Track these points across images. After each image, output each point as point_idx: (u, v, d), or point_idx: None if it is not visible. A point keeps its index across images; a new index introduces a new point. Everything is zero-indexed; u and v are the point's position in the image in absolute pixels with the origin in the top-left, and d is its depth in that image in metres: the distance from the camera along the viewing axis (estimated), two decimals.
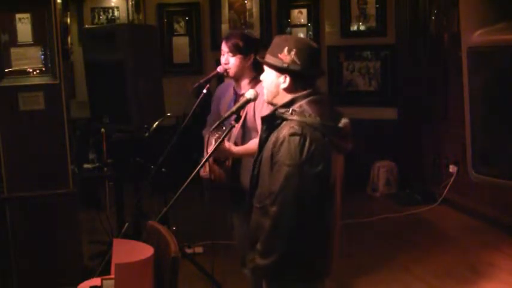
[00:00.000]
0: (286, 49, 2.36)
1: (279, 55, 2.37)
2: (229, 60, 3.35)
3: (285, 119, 2.30)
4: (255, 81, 3.34)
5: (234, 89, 3.43)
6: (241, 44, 3.31)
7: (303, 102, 2.31)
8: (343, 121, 2.33)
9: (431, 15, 6.38)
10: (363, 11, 7.01)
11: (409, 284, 4.35)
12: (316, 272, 2.39)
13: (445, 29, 6.13)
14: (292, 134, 2.25)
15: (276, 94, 2.41)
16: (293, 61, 2.35)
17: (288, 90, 2.38)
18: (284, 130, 2.28)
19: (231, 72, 3.37)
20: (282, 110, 2.32)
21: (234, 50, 3.32)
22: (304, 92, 2.34)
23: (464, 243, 5.17)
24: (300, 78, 2.36)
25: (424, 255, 4.87)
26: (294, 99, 2.34)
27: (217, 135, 3.10)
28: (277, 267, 2.32)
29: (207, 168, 3.39)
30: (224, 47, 3.38)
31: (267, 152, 2.35)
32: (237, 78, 3.39)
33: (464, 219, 5.77)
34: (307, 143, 2.22)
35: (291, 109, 2.30)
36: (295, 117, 2.27)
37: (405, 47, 6.86)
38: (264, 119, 2.42)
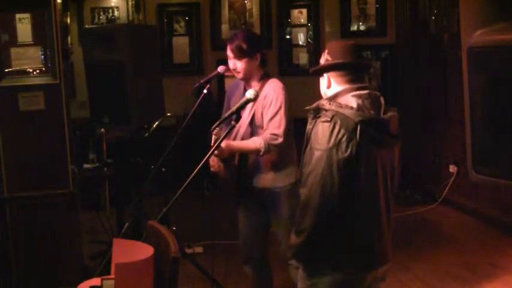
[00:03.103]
0: (323, 53, 2.51)
1: (320, 61, 2.52)
2: (236, 65, 3.34)
3: (325, 110, 2.37)
4: (264, 79, 3.35)
5: (245, 87, 3.44)
6: (244, 46, 3.29)
7: (346, 96, 2.37)
8: (388, 114, 2.36)
9: (431, 15, 6.38)
10: (363, 11, 7.02)
11: (409, 284, 4.35)
12: (345, 263, 2.38)
13: (445, 29, 6.13)
14: (323, 121, 2.33)
15: (324, 95, 2.51)
16: (326, 60, 2.47)
17: (330, 87, 2.46)
18: (320, 119, 2.37)
19: (241, 75, 3.36)
20: (323, 102, 2.40)
21: (239, 54, 3.30)
22: (347, 87, 2.40)
23: (464, 243, 5.17)
24: (336, 73, 2.44)
25: (424, 255, 4.87)
26: (337, 93, 2.41)
27: (218, 132, 3.14)
28: (307, 247, 2.37)
29: (214, 163, 3.43)
30: (229, 52, 3.35)
31: (310, 143, 2.43)
32: (248, 79, 3.38)
33: (464, 219, 5.77)
34: (336, 129, 2.27)
35: (329, 101, 2.37)
36: (332, 107, 2.34)
37: (405, 47, 6.87)
38: (308, 111, 2.48)
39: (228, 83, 7.12)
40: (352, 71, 2.43)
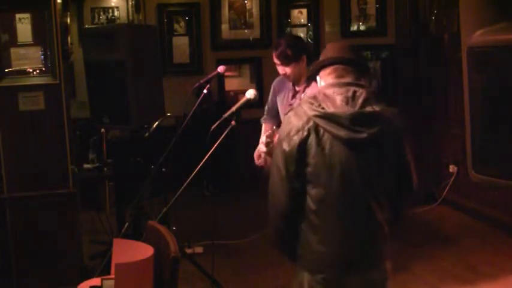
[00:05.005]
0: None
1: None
2: (285, 71, 3.43)
3: None
4: (311, 80, 3.41)
5: (293, 84, 3.48)
6: (289, 52, 3.38)
7: (323, 91, 2.36)
8: (351, 111, 2.26)
9: (431, 15, 6.38)
10: (363, 11, 7.01)
11: (409, 284, 4.35)
12: (318, 265, 2.35)
13: (445, 29, 6.13)
14: (285, 114, 2.44)
15: None
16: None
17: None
18: None
19: (291, 79, 3.48)
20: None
21: (286, 61, 3.40)
22: (326, 83, 2.39)
23: (465, 243, 5.17)
24: (324, 72, 2.43)
25: (424, 255, 4.87)
26: (318, 90, 2.41)
27: (270, 132, 3.20)
28: (275, 239, 2.44)
29: (262, 158, 3.54)
30: (275, 60, 3.44)
31: None
32: (298, 81, 3.44)
33: (464, 219, 5.77)
34: (288, 122, 2.33)
35: (309, 98, 2.37)
36: (301, 103, 2.36)
37: (405, 47, 6.86)
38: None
39: (228, 83, 7.17)
40: (339, 67, 2.38)
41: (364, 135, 2.24)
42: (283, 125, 2.37)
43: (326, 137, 2.25)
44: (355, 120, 2.25)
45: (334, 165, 2.27)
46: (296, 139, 2.27)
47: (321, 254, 2.33)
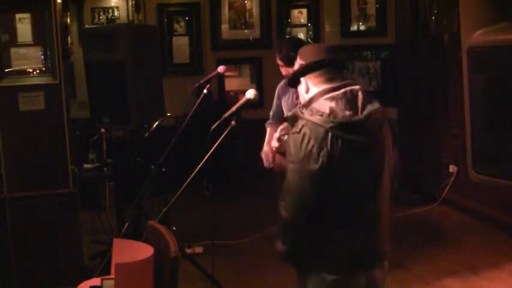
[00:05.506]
0: (296, 62, 2.48)
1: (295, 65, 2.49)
2: (289, 72, 3.50)
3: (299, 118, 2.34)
4: None
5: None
6: (292, 54, 3.41)
7: (319, 99, 2.33)
8: (366, 110, 2.29)
9: (431, 15, 6.38)
10: (363, 11, 7.02)
11: (409, 283, 4.35)
12: (332, 265, 2.36)
13: (445, 29, 6.13)
14: (294, 132, 2.30)
15: (303, 101, 2.46)
16: (299, 65, 2.43)
17: (308, 91, 2.42)
18: (292, 130, 2.34)
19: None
20: (299, 110, 2.36)
21: (289, 63, 3.46)
22: (322, 89, 2.35)
23: (464, 243, 5.17)
24: (312, 75, 2.39)
25: (424, 254, 4.87)
26: (312, 98, 2.37)
27: (285, 125, 3.22)
28: (292, 254, 2.38)
29: (269, 158, 3.58)
30: (279, 62, 3.55)
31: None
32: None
33: (464, 219, 5.78)
34: (305, 140, 2.24)
35: (305, 107, 2.33)
36: (305, 115, 2.30)
37: (405, 47, 6.87)
38: (286, 119, 2.47)
39: (228, 83, 7.17)
40: (328, 69, 2.37)
41: (374, 139, 2.30)
42: (296, 144, 2.27)
43: (344, 146, 2.25)
44: (367, 126, 2.28)
45: (352, 170, 2.30)
46: (323, 155, 2.23)
47: (332, 255, 2.35)
